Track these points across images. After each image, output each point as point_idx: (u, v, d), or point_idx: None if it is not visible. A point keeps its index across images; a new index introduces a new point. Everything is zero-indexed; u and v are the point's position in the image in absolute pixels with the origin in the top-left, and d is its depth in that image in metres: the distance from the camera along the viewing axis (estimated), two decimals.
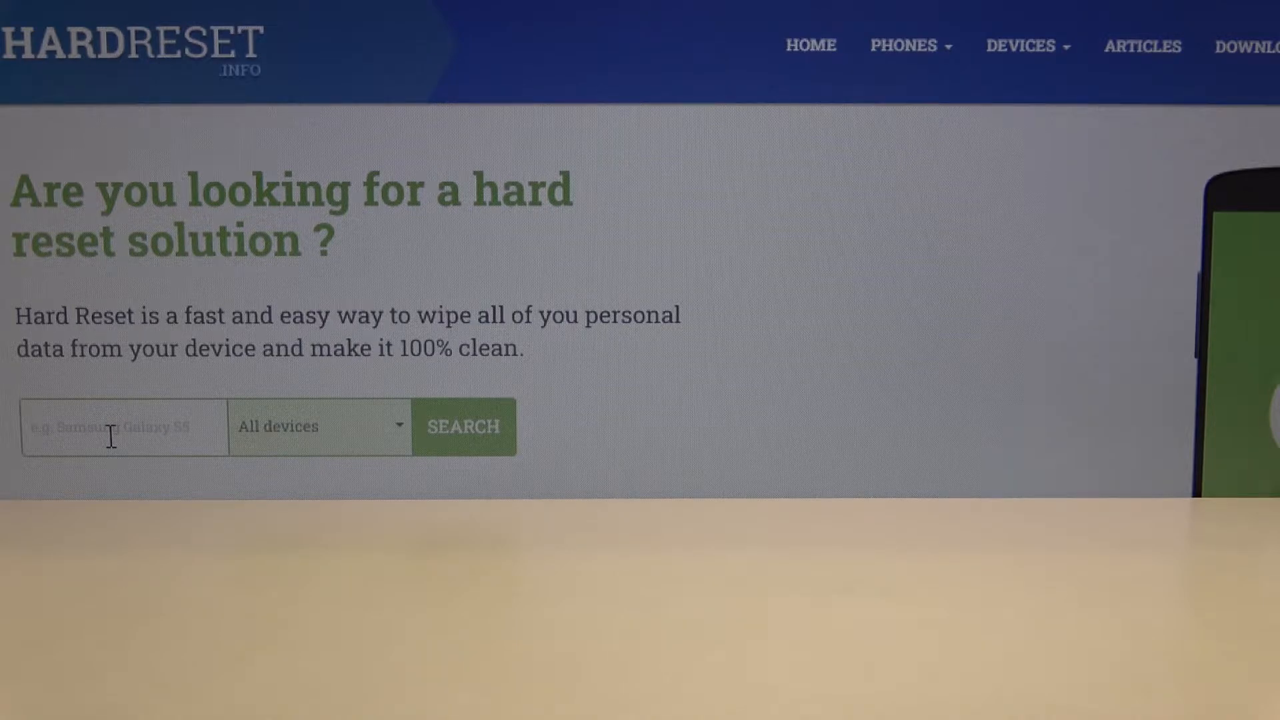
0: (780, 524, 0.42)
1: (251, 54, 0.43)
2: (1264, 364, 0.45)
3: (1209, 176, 0.44)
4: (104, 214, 0.44)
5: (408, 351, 0.45)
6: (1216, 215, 0.44)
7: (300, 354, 0.45)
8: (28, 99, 0.44)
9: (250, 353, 0.45)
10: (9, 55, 0.43)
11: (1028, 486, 0.46)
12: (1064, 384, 0.45)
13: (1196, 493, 0.46)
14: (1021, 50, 0.44)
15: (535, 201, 0.44)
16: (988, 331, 0.45)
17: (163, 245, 0.44)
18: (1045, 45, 0.44)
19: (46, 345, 0.45)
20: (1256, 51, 0.44)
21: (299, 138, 0.44)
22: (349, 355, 0.45)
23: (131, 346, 0.45)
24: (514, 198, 0.44)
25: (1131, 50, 0.44)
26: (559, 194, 0.44)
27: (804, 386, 0.45)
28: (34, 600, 0.34)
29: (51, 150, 0.44)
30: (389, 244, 0.45)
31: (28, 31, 0.43)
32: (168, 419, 0.45)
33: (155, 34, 0.43)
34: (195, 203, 0.44)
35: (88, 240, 0.44)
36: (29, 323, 0.45)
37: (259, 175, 0.44)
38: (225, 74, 0.44)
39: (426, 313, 0.45)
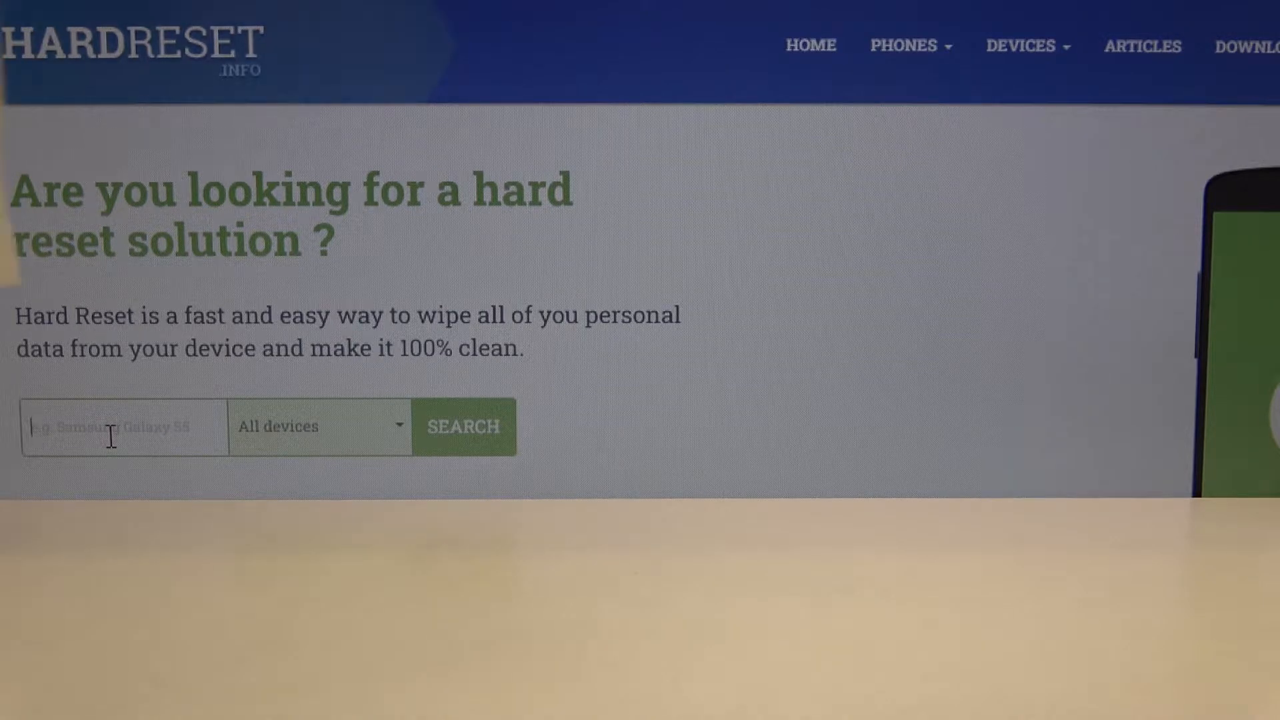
0: (780, 524, 0.42)
1: (251, 54, 0.43)
2: (1264, 364, 0.45)
3: (1209, 176, 0.44)
4: (104, 214, 0.44)
5: (408, 351, 0.45)
6: (1216, 215, 0.44)
7: (300, 354, 0.45)
8: (28, 99, 0.44)
9: (250, 352, 0.45)
10: (9, 55, 0.43)
11: (1028, 486, 0.46)
12: (1064, 384, 0.45)
13: (1196, 493, 0.45)
14: (1021, 50, 0.44)
15: (535, 201, 0.44)
16: (988, 332, 0.45)
17: (162, 245, 0.44)
18: (1045, 45, 0.44)
19: (46, 345, 0.45)
20: (1256, 51, 0.44)
21: (299, 138, 0.44)
22: (349, 355, 0.45)
23: (131, 346, 0.45)
24: (514, 198, 0.44)
25: (1131, 50, 0.44)
26: (559, 194, 0.44)
27: (804, 386, 0.45)
28: (34, 600, 0.34)
29: (51, 150, 0.44)
30: (388, 244, 0.45)
31: (28, 31, 0.43)
32: (168, 419, 0.45)
33: (155, 34, 0.43)
34: (195, 203, 0.44)
35: (88, 240, 0.44)
36: (29, 322, 0.45)
37: (259, 175, 0.44)
38: (225, 74, 0.44)
39: (426, 313, 0.45)
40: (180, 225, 0.44)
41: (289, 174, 0.44)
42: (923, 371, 0.45)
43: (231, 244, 0.44)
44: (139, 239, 0.44)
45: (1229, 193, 0.44)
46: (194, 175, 0.44)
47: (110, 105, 0.44)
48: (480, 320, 0.45)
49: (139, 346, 0.45)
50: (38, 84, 0.43)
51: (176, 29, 0.43)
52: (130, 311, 0.45)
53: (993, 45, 0.44)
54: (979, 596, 0.34)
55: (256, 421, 0.45)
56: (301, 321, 0.45)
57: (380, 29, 0.43)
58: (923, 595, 0.34)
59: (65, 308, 0.44)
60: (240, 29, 0.43)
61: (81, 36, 0.43)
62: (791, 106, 0.44)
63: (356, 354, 0.45)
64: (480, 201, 0.44)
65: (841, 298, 0.45)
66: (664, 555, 0.38)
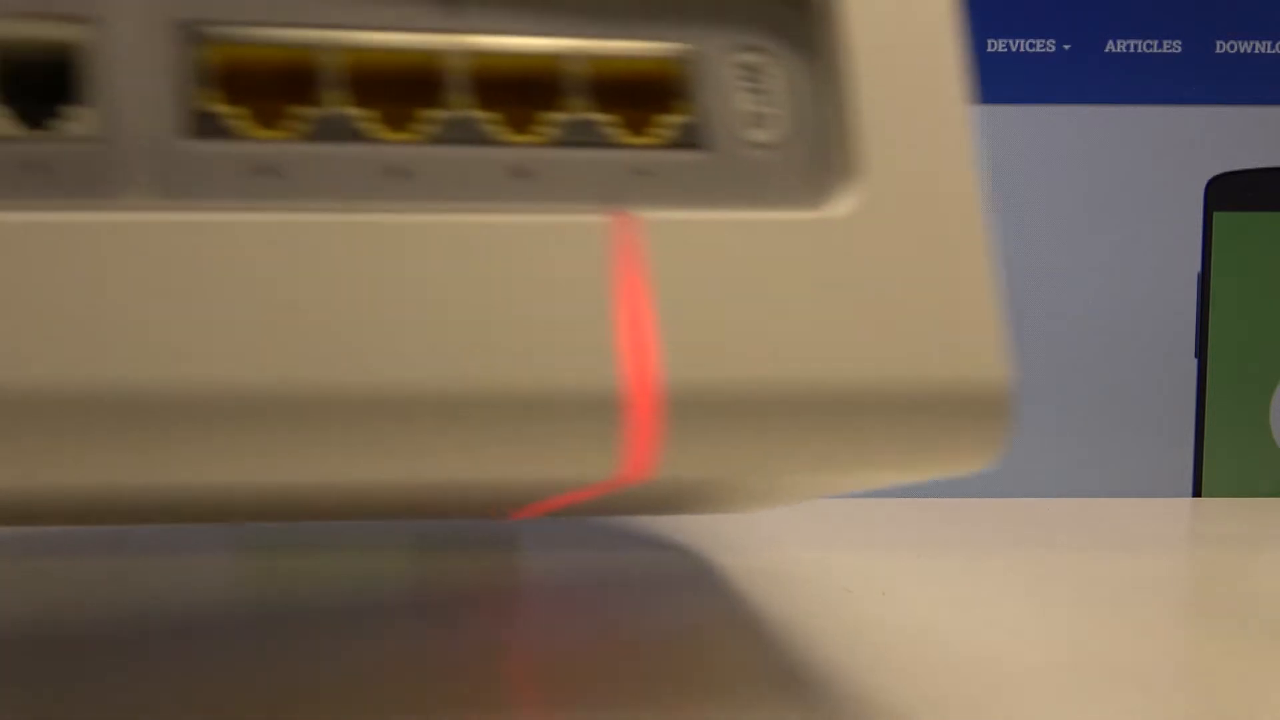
0: (776, 525, 0.42)
1: None
2: (1264, 364, 0.45)
3: (1209, 176, 0.44)
4: None
5: None
6: (1216, 215, 0.44)
7: None
8: None
9: None
10: None
11: (1028, 487, 0.46)
12: (1064, 384, 0.45)
13: (1196, 493, 0.45)
14: (1022, 50, 0.44)
15: None
16: None
17: None
18: (1045, 45, 0.44)
19: None
20: (1256, 51, 0.44)
21: None
22: None
23: None
24: None
25: (1131, 50, 0.44)
26: None
27: None
28: (35, 600, 0.34)
29: None
30: None
31: None
32: None
33: None
34: None
35: None
36: None
37: None
38: None
39: None
40: None
41: None
42: None
43: None
44: None
45: (1229, 193, 0.44)
46: None
47: None
48: None
49: None
50: None
51: None
52: None
53: (993, 45, 0.44)
54: (978, 596, 0.34)
55: None
56: None
57: None
58: (921, 595, 0.34)
59: None
60: None
61: None
62: None
63: None
64: None
65: None
66: (662, 555, 0.38)
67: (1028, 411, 0.45)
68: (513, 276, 0.16)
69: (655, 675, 0.25)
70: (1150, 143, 0.44)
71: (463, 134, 0.16)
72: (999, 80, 0.44)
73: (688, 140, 0.17)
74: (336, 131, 0.16)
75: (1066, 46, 0.44)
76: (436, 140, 0.16)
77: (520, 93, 0.17)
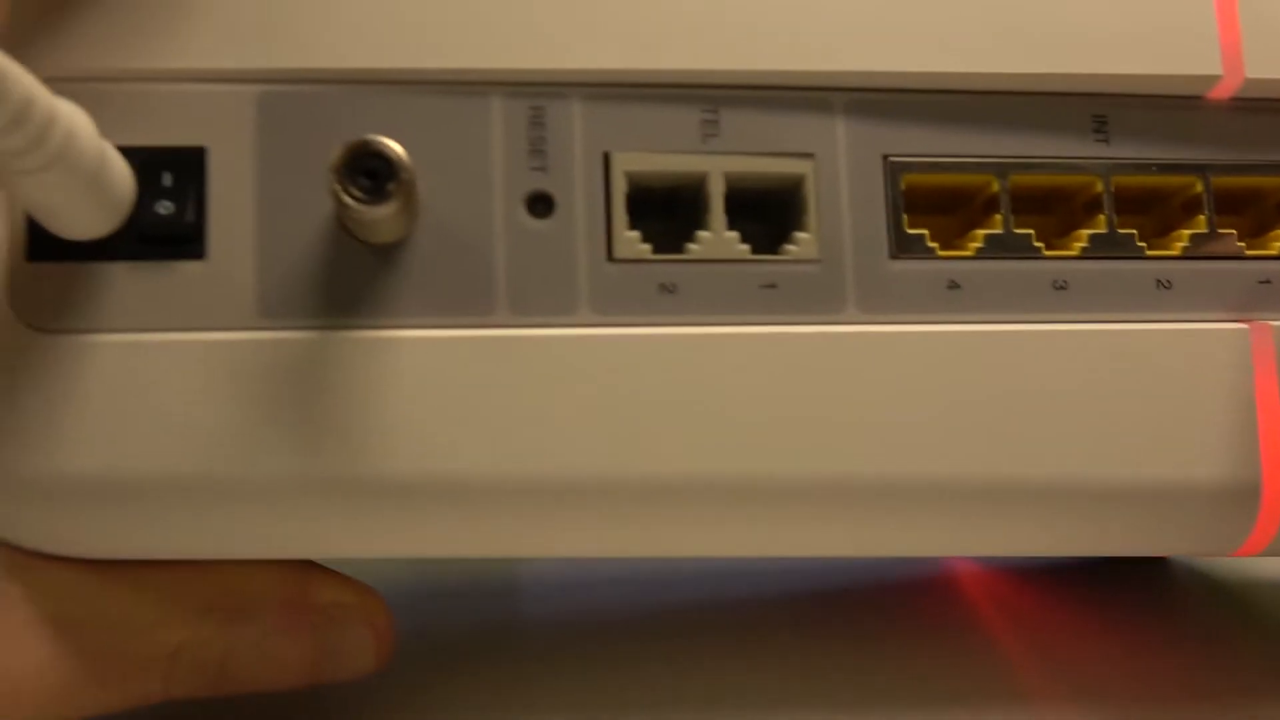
0: None
1: None
2: None
3: None
4: None
5: None
6: None
7: None
8: None
9: None
10: None
11: None
12: None
13: None
14: None
15: None
16: None
17: None
18: None
19: None
20: None
21: None
22: None
23: None
24: None
25: None
26: None
27: None
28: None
29: None
30: None
31: None
32: None
33: None
34: None
35: None
36: None
37: None
38: None
39: None
40: None
41: None
42: None
43: None
44: None
45: None
46: None
47: None
48: None
49: None
50: None
51: None
52: None
53: None
54: None
55: None
56: None
57: None
58: None
59: None
60: None
61: None
62: None
63: None
64: None
65: None
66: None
67: None
68: (1166, 378, 0.18)
69: None
70: None
71: (1110, 249, 0.19)
72: None
73: None
74: (1008, 248, 0.18)
75: None
76: (1089, 255, 0.18)
77: (1153, 208, 0.19)
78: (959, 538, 0.18)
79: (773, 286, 0.18)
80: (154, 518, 0.17)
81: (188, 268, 0.17)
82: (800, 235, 0.18)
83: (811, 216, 0.18)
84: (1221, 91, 0.19)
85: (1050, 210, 0.19)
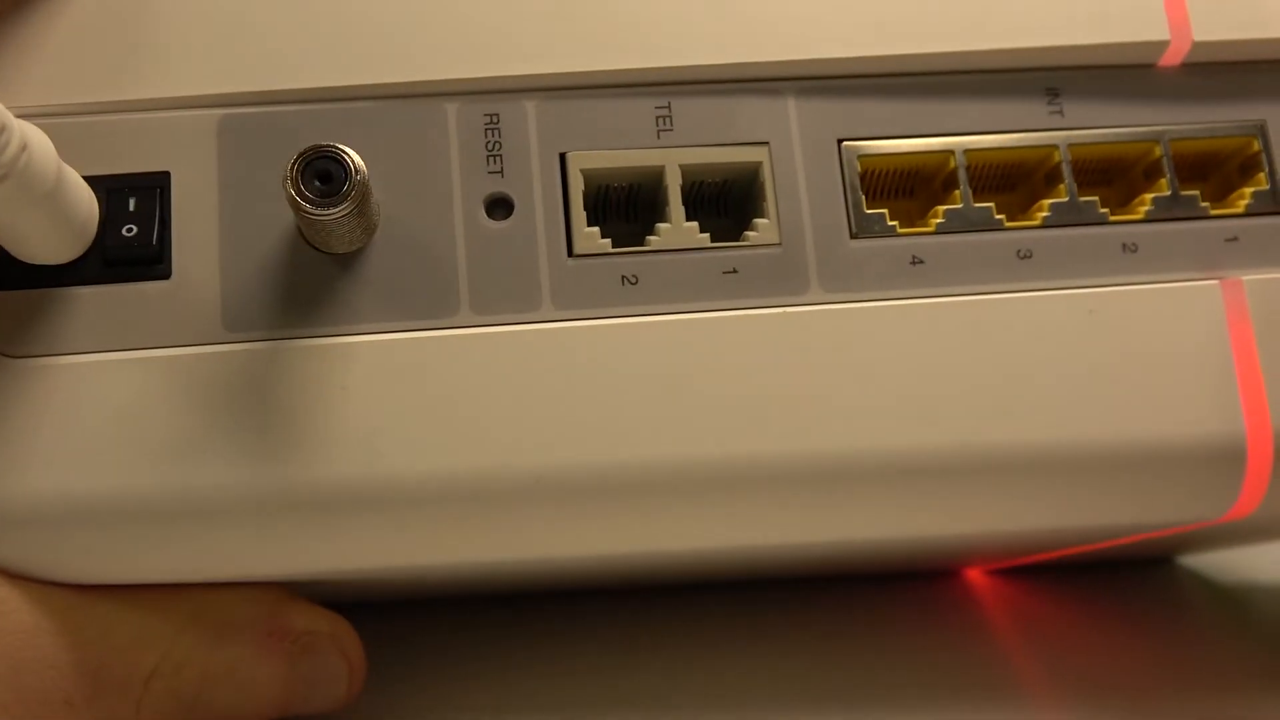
0: None
1: None
2: None
3: None
4: None
5: None
6: None
7: None
8: None
9: None
10: None
11: None
12: None
13: None
14: None
15: None
16: None
17: None
18: None
19: None
20: None
21: None
22: None
23: None
24: None
25: None
26: None
27: None
28: None
29: None
30: None
31: None
32: None
33: None
34: None
35: None
36: None
37: None
38: None
39: None
40: None
41: None
42: None
43: None
44: None
45: None
46: None
47: None
48: None
49: None
50: None
51: None
52: None
53: None
54: None
55: None
56: None
57: None
58: None
59: None
60: None
61: None
62: None
63: None
64: None
65: None
66: None
67: None
68: (1139, 339, 0.18)
69: None
70: None
71: (1072, 216, 0.19)
72: None
73: (1266, 207, 0.19)
74: (969, 222, 0.18)
75: None
76: (1051, 224, 0.18)
77: (1115, 176, 0.19)
78: (937, 514, 0.18)
79: (734, 272, 0.18)
80: (128, 539, 0.17)
81: (153, 288, 0.17)
82: (760, 221, 0.18)
83: (770, 202, 0.18)
84: (1171, 57, 0.19)
85: (1014, 187, 0.19)
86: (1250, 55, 0.19)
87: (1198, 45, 0.19)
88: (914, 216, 0.19)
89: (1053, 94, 0.19)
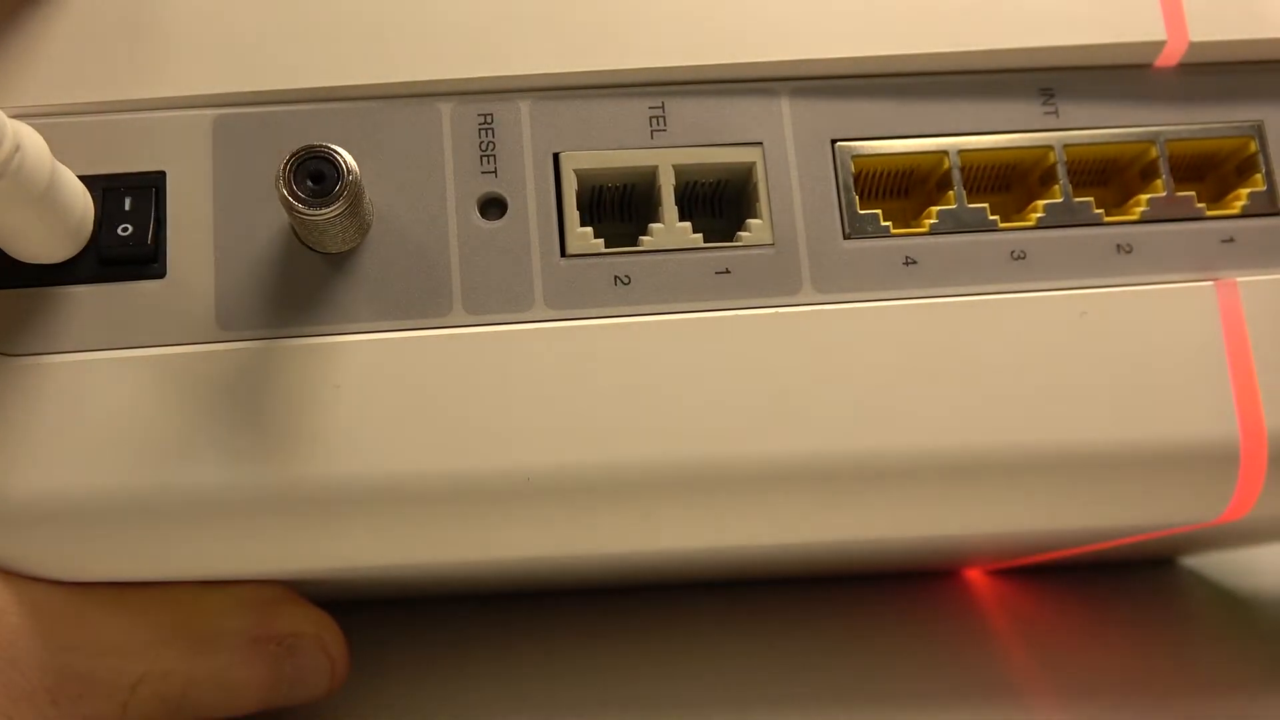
0: None
1: None
2: None
3: None
4: None
5: None
6: None
7: None
8: None
9: None
10: None
11: None
12: None
13: None
14: None
15: None
16: None
17: None
18: None
19: None
20: None
21: None
22: None
23: None
24: None
25: None
26: None
27: None
28: None
29: None
30: None
31: None
32: None
33: None
34: None
35: None
36: None
37: None
38: None
39: None
40: None
41: None
42: None
43: None
44: None
45: None
46: None
47: None
48: None
49: None
50: None
51: None
52: None
53: None
54: None
55: None
56: None
57: None
58: None
59: None
60: None
61: None
62: None
63: None
64: None
65: None
66: None
67: None
68: (1132, 341, 0.18)
69: None
70: None
71: (1067, 217, 0.18)
72: None
73: (1263, 208, 0.19)
74: (963, 223, 0.18)
75: None
76: (1046, 225, 0.18)
77: (1110, 176, 0.19)
78: (928, 515, 0.18)
79: (727, 272, 0.18)
80: (121, 536, 0.17)
81: (148, 287, 0.17)
82: (753, 222, 0.18)
83: (763, 203, 0.18)
84: (1168, 58, 0.19)
85: (1009, 188, 0.19)
86: (1248, 55, 0.19)
87: (1194, 45, 0.19)
88: (908, 217, 0.19)
89: (1048, 94, 0.19)
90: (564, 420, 0.17)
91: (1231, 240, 0.19)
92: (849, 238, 0.18)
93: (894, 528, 0.18)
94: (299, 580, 0.19)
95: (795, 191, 0.18)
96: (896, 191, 0.19)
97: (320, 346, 0.17)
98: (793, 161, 0.18)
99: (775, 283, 0.18)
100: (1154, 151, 0.19)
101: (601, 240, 0.18)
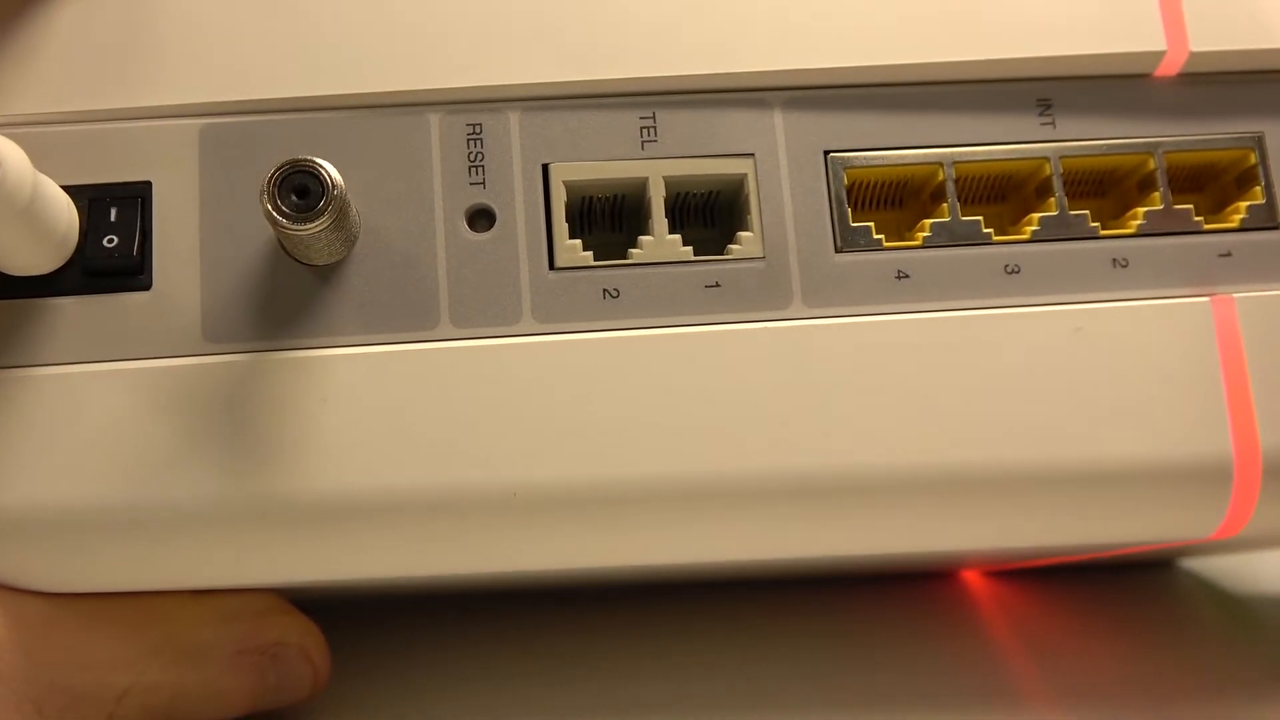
0: None
1: None
2: None
3: None
4: None
5: None
6: None
7: None
8: None
9: None
10: None
11: None
12: None
13: None
14: None
15: None
16: None
17: None
18: None
19: None
20: None
21: None
22: None
23: None
24: None
25: None
26: None
27: None
28: None
29: None
30: None
31: None
32: None
33: None
34: None
35: None
36: None
37: None
38: None
39: None
40: None
41: None
42: None
43: None
44: None
45: None
46: None
47: None
48: None
49: None
50: None
51: None
52: None
53: None
54: None
55: None
56: None
57: None
58: None
59: None
60: None
61: None
62: None
63: None
64: None
65: None
66: None
67: None
68: (1127, 357, 0.18)
69: None
70: None
71: (1061, 230, 0.18)
72: None
73: (1261, 222, 0.18)
74: (956, 236, 0.18)
75: None
76: (1040, 238, 0.18)
77: (1108, 188, 0.19)
78: (919, 530, 0.18)
79: (716, 286, 0.18)
80: (107, 546, 0.17)
81: (134, 299, 0.17)
82: (743, 234, 0.18)
83: (754, 215, 0.18)
84: (1168, 68, 0.19)
85: (1005, 199, 0.19)
86: (1249, 66, 0.19)
87: (1195, 55, 0.18)
88: (902, 228, 0.19)
89: (1044, 105, 0.19)
90: (550, 435, 0.17)
91: (1229, 255, 0.18)
92: (841, 251, 0.18)
93: (882, 544, 0.18)
94: (285, 588, 0.19)
95: (787, 204, 0.18)
96: (890, 203, 0.19)
97: (307, 360, 0.17)
98: (785, 173, 0.18)
99: (765, 297, 0.18)
100: (1152, 163, 0.18)
101: (590, 253, 0.18)
